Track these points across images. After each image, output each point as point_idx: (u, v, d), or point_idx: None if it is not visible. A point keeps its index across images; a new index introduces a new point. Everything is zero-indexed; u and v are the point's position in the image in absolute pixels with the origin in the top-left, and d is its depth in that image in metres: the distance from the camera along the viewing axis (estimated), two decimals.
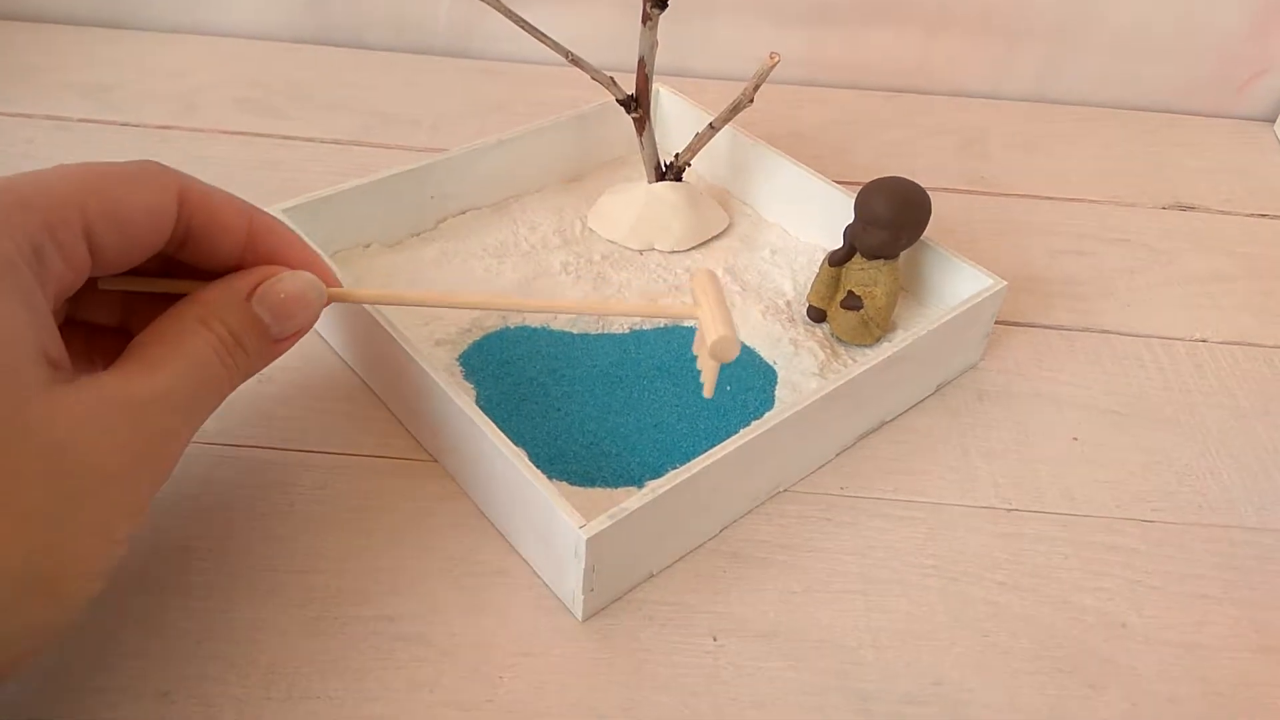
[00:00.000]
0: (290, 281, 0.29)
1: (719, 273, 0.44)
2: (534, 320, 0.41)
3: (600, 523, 0.29)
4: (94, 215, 0.25)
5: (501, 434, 0.31)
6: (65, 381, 0.24)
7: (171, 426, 0.26)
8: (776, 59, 0.39)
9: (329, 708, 0.29)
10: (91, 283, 0.27)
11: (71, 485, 0.23)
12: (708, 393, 0.33)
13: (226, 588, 0.31)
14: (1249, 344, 0.45)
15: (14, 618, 0.22)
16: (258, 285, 0.29)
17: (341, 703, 0.29)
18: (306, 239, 0.38)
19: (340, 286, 0.31)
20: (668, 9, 0.40)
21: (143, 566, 0.32)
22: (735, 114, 0.43)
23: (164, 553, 0.32)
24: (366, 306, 0.35)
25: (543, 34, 0.41)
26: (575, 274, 0.44)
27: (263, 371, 0.38)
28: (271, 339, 0.29)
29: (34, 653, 0.24)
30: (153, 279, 0.29)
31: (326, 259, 0.32)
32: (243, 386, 0.38)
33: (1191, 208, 0.54)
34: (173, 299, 0.28)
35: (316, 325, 0.41)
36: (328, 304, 0.31)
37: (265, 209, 0.39)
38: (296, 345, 0.40)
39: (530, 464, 0.30)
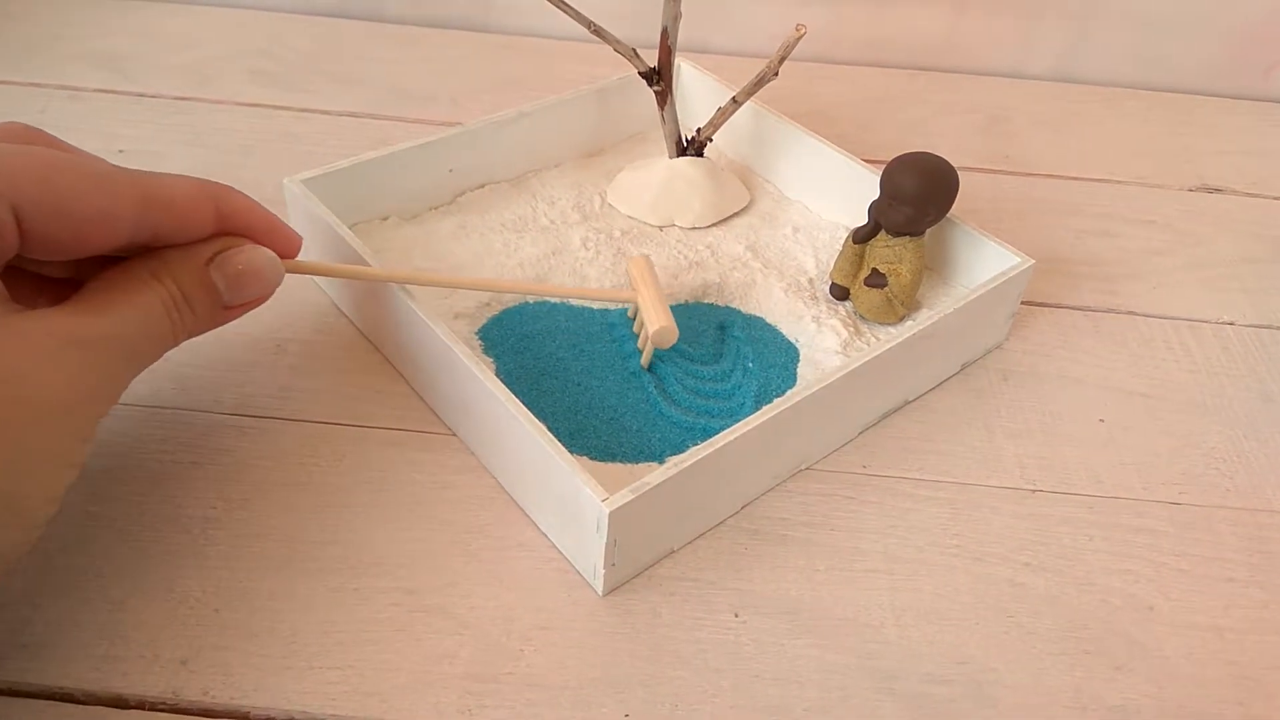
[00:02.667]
0: (250, 254, 0.30)
1: (740, 249, 0.44)
2: (554, 295, 0.41)
3: (623, 496, 0.29)
4: (29, 200, 0.25)
5: (524, 407, 0.31)
6: (14, 312, 0.25)
7: (115, 368, 0.27)
8: (803, 30, 0.39)
9: (349, 678, 0.29)
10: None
11: (28, 413, 0.24)
12: (644, 364, 0.37)
13: (244, 557, 0.31)
14: (1276, 327, 0.44)
15: None
16: (218, 253, 0.29)
17: (362, 673, 0.29)
18: (326, 211, 0.38)
19: (300, 253, 0.32)
20: None
21: (158, 536, 0.32)
22: (759, 87, 0.42)
23: (180, 522, 0.32)
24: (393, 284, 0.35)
25: (565, 4, 0.41)
26: (595, 249, 0.43)
27: (280, 343, 0.39)
28: (223, 305, 0.30)
29: None
30: None
31: (294, 230, 0.33)
32: (260, 358, 0.38)
33: (1218, 190, 0.53)
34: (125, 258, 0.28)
35: (334, 298, 0.41)
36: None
37: (288, 179, 0.39)
38: (314, 317, 0.40)
39: (553, 437, 0.30)
